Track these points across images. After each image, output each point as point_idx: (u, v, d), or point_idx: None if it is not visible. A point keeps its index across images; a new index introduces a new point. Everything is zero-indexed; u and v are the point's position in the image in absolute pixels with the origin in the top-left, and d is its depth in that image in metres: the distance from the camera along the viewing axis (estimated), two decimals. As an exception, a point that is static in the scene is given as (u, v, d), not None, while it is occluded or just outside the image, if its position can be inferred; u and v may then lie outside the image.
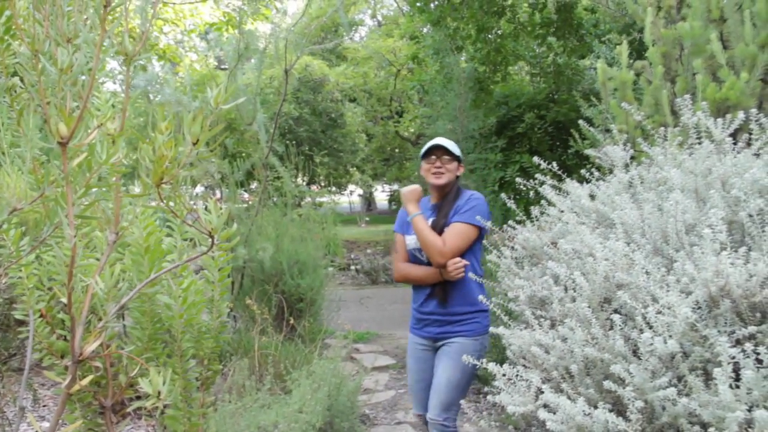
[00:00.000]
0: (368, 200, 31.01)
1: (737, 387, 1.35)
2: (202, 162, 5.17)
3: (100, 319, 1.86)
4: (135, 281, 2.19)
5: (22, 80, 1.89)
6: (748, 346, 1.37)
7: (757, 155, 2.12)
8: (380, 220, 25.64)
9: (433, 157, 2.97)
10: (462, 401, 2.60)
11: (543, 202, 2.64)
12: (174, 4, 11.93)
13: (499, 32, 9.46)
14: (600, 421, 1.50)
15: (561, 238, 2.25)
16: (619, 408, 1.60)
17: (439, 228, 2.88)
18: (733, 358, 1.36)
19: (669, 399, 1.46)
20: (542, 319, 1.96)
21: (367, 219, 23.15)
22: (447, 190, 2.99)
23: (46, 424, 3.91)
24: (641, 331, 1.57)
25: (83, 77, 1.56)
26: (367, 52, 18.79)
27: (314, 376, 3.54)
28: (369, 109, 20.19)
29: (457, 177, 3.04)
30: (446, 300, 2.89)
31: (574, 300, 1.88)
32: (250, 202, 6.71)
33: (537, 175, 2.62)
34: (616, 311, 1.80)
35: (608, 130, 3.45)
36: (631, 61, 3.65)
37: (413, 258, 3.02)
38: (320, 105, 17.45)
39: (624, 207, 2.06)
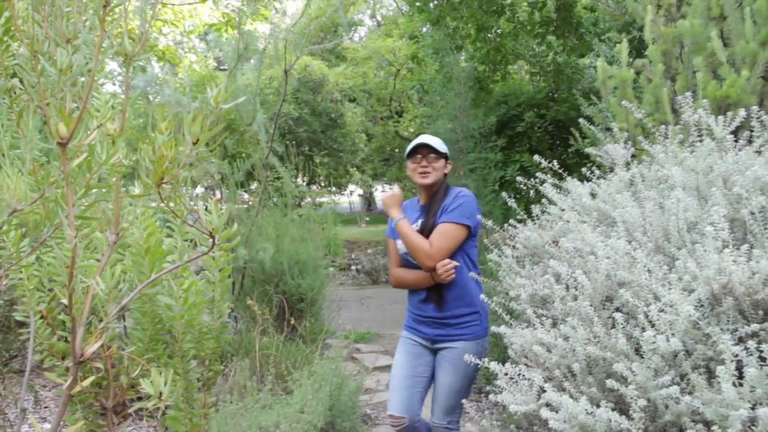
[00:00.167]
0: (368, 200, 30.98)
1: (740, 385, 1.34)
2: (202, 162, 5.17)
3: (100, 320, 1.86)
4: (135, 282, 2.19)
5: (21, 81, 1.89)
6: (751, 343, 1.37)
7: (759, 152, 2.12)
8: (380, 220, 25.62)
9: (419, 156, 2.88)
10: (464, 400, 2.59)
11: (543, 200, 2.64)
12: (173, 5, 11.93)
13: (499, 31, 9.47)
14: (603, 420, 1.49)
15: (562, 236, 2.24)
16: (621, 406, 1.59)
17: (428, 229, 2.79)
18: (736, 356, 1.36)
19: (672, 397, 1.45)
20: (544, 318, 1.96)
21: (368, 219, 23.14)
22: (435, 190, 2.90)
23: (47, 426, 3.91)
24: (643, 329, 1.57)
25: (82, 78, 1.55)
26: (367, 52, 18.78)
27: (315, 377, 3.53)
28: (369, 109, 20.17)
29: (445, 175, 2.94)
30: (442, 303, 2.79)
31: (575, 298, 1.88)
32: (250, 203, 6.71)
33: (537, 174, 2.61)
34: (618, 310, 1.79)
35: (609, 129, 3.45)
36: (631, 59, 3.65)
37: (406, 262, 2.93)
38: (320, 105, 17.44)
39: (625, 205, 2.06)
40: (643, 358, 1.55)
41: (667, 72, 3.35)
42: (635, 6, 3.69)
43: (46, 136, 1.47)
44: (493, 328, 2.11)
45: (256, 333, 4.52)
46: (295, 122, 16.13)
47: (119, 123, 1.54)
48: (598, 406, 1.53)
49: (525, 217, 2.66)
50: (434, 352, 2.90)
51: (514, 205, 2.65)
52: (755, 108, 2.22)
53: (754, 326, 1.47)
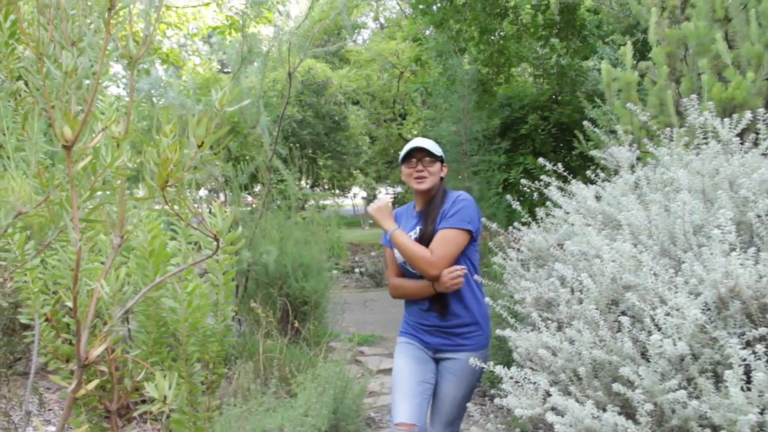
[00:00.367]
0: (372, 203, 30.96)
1: (748, 389, 1.34)
2: (206, 165, 5.18)
3: (105, 323, 1.85)
4: (140, 285, 2.19)
5: (26, 84, 1.89)
6: (759, 347, 1.36)
7: (765, 155, 2.11)
8: (384, 222, 25.52)
9: (414, 160, 2.75)
10: (468, 404, 2.56)
11: (548, 203, 2.63)
12: (177, 8, 11.96)
13: (502, 34, 9.46)
14: (609, 424, 1.48)
15: (567, 239, 2.24)
16: (628, 411, 1.58)
17: (428, 236, 2.66)
18: (744, 360, 1.35)
19: (679, 402, 1.45)
20: (549, 321, 1.95)
21: (371, 221, 23.13)
22: (432, 195, 2.76)
23: (52, 428, 3.91)
24: (649, 333, 1.56)
25: (87, 81, 1.55)
26: (370, 54, 18.79)
27: (319, 380, 3.52)
28: (372, 112, 20.18)
29: (442, 179, 2.81)
30: (446, 313, 2.66)
31: (581, 302, 1.87)
32: (254, 205, 6.71)
33: (542, 177, 2.60)
34: (623, 313, 1.78)
35: (613, 131, 3.44)
36: (635, 61, 3.64)
37: (404, 271, 2.79)
38: (323, 108, 17.46)
39: (630, 208, 2.05)
40: (649, 362, 1.54)
41: (672, 74, 3.34)
42: (639, 8, 3.69)
43: (51, 138, 1.47)
44: (498, 332, 2.10)
45: (259, 336, 4.52)
46: (298, 125, 16.14)
47: (124, 126, 1.54)
48: (605, 410, 1.52)
49: (529, 220, 2.65)
50: (436, 361, 2.78)
51: (519, 208, 2.64)
52: (761, 110, 2.21)
53: (762, 330, 1.46)
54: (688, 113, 2.34)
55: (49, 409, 4.31)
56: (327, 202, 11.95)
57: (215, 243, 1.62)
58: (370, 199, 30.28)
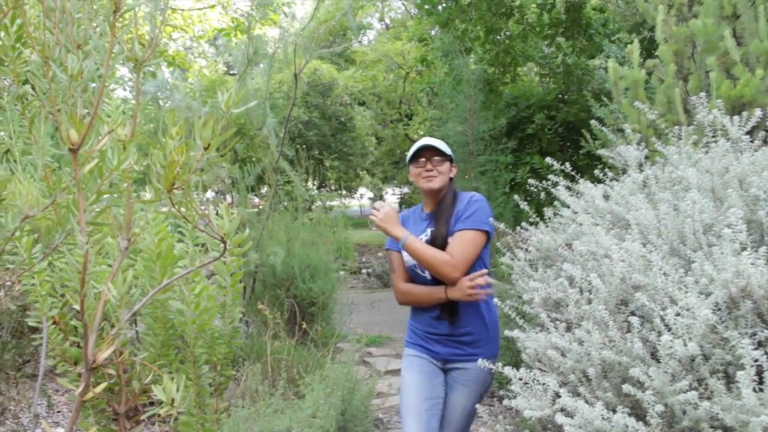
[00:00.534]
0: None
1: (761, 390, 1.32)
2: (213, 167, 5.18)
3: (112, 326, 1.86)
4: (147, 287, 2.19)
5: (33, 88, 1.89)
6: (771, 347, 1.34)
7: (775, 153, 2.09)
8: (391, 223, 25.51)
9: (423, 159, 2.66)
10: (477, 405, 2.54)
11: (555, 203, 2.62)
12: (183, 10, 11.99)
13: (508, 33, 9.44)
14: (619, 426, 1.47)
15: (575, 239, 2.22)
16: (638, 412, 1.57)
17: (441, 238, 2.55)
18: (756, 360, 1.33)
19: (690, 403, 1.43)
20: (558, 322, 1.93)
21: (377, 223, 23.08)
22: (442, 195, 2.67)
23: (60, 430, 3.92)
24: (659, 333, 1.54)
25: (93, 84, 1.55)
26: (376, 55, 18.81)
27: (327, 381, 3.52)
28: (378, 112, 20.20)
29: (451, 179, 2.72)
30: (457, 320, 2.56)
31: (590, 302, 1.85)
32: (260, 207, 6.72)
33: (549, 176, 2.58)
34: (633, 313, 1.77)
35: (620, 130, 3.42)
36: (642, 59, 3.62)
37: (414, 275, 2.68)
38: (329, 109, 17.49)
39: (639, 207, 2.04)
40: (659, 362, 1.52)
41: (680, 72, 3.32)
42: (646, 6, 3.67)
43: (58, 142, 1.47)
44: (507, 332, 2.09)
45: (267, 337, 4.52)
46: (305, 126, 16.18)
47: (130, 128, 1.54)
48: (614, 411, 1.51)
49: (537, 219, 2.63)
50: (445, 371, 2.69)
51: (526, 208, 2.62)
52: (770, 108, 2.20)
53: (773, 330, 1.44)
54: (697, 111, 2.32)
55: (58, 411, 4.33)
56: (334, 203, 11.97)
57: (222, 245, 1.62)
58: (375, 198, 30.24)
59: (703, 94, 2.36)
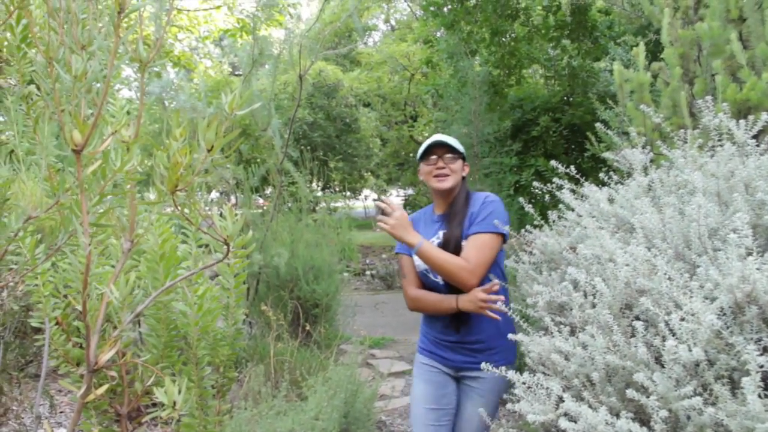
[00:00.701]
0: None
1: (766, 396, 1.31)
2: (217, 168, 5.19)
3: (115, 328, 1.85)
4: (150, 289, 2.18)
5: (38, 88, 1.89)
6: (776, 353, 1.33)
7: (781, 157, 2.08)
8: (395, 224, 25.46)
9: (434, 157, 2.54)
10: (492, 414, 2.49)
11: (560, 206, 2.61)
12: (189, 11, 12.01)
13: (513, 35, 9.43)
14: (623, 431, 1.46)
15: (580, 242, 2.21)
16: (642, 417, 1.56)
17: (454, 241, 2.44)
18: (762, 366, 1.32)
19: (694, 408, 1.42)
20: (562, 326, 1.93)
21: (383, 224, 23.06)
22: (454, 195, 2.57)
23: (63, 431, 3.92)
24: (664, 338, 1.54)
25: (98, 84, 1.55)
26: (381, 56, 18.84)
27: (330, 383, 3.52)
28: (383, 114, 20.22)
29: (463, 178, 2.61)
30: (470, 326, 2.47)
31: (594, 306, 1.85)
32: (265, 208, 6.73)
33: (553, 179, 2.57)
34: (637, 318, 1.76)
35: (625, 133, 3.41)
36: (648, 62, 3.61)
37: (425, 279, 2.57)
38: (334, 110, 17.52)
39: (644, 211, 2.03)
40: (664, 367, 1.52)
41: (685, 75, 3.31)
42: (652, 9, 3.66)
43: (62, 142, 1.47)
44: (510, 336, 2.08)
45: (270, 339, 4.53)
46: (309, 127, 16.20)
47: (134, 129, 1.54)
48: (618, 416, 1.50)
49: (541, 222, 2.62)
50: (457, 379, 2.60)
51: (531, 210, 2.60)
52: (777, 112, 2.18)
53: (779, 335, 1.43)
54: (702, 115, 2.31)
55: (61, 412, 4.33)
56: (338, 204, 11.97)
57: (226, 247, 1.61)
58: (378, 197, 30.16)
59: (708, 97, 2.35)
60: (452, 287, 2.47)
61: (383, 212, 2.51)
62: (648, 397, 1.48)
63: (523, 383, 1.80)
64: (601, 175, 2.62)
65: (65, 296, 2.17)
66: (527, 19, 9.27)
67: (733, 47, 2.93)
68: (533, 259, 2.51)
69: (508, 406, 1.88)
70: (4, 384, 3.28)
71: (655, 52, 5.81)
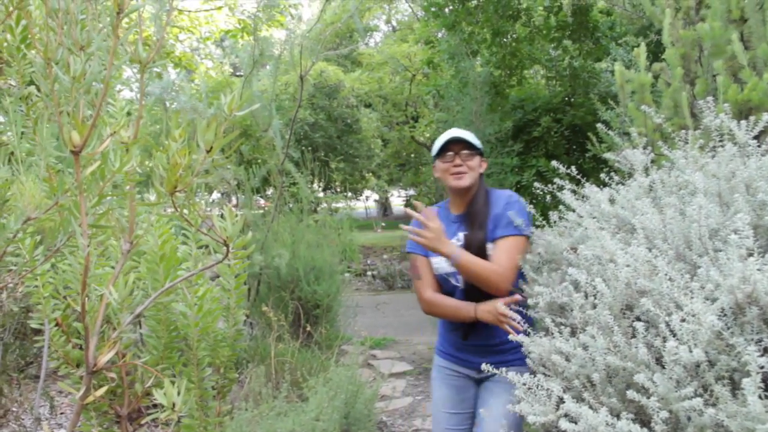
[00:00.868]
0: (384, 205, 31.00)
1: (767, 398, 1.31)
2: (218, 169, 5.19)
3: (114, 329, 1.85)
4: (150, 290, 2.18)
5: (38, 89, 1.89)
6: (777, 354, 1.33)
7: (782, 158, 2.07)
8: (396, 225, 25.55)
9: (450, 153, 2.43)
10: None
11: (561, 206, 2.60)
12: (190, 12, 12.02)
13: (515, 36, 9.42)
14: (623, 432, 1.46)
15: (581, 243, 2.21)
16: (642, 418, 1.56)
17: (477, 244, 2.34)
18: (762, 367, 1.32)
19: (695, 409, 1.42)
20: (562, 327, 1.92)
21: (383, 224, 23.14)
22: (473, 194, 2.46)
23: (63, 432, 3.92)
24: (664, 339, 1.53)
25: (99, 85, 1.55)
26: (382, 57, 18.81)
27: (331, 384, 3.51)
28: (384, 115, 20.20)
29: (481, 175, 2.50)
30: (491, 329, 2.37)
31: (594, 307, 1.84)
32: (266, 208, 6.73)
33: (555, 180, 2.57)
34: (638, 319, 1.76)
35: (626, 134, 3.41)
36: (649, 63, 3.60)
37: (445, 283, 2.47)
38: (336, 111, 17.52)
39: (645, 212, 2.02)
40: (664, 368, 1.51)
41: (686, 76, 3.30)
42: (653, 9, 3.65)
43: (62, 143, 1.47)
44: (510, 337, 2.08)
45: (271, 339, 4.53)
46: (310, 128, 16.20)
47: (133, 130, 1.54)
48: (619, 417, 1.50)
49: (543, 223, 2.61)
50: (478, 382, 2.51)
51: (532, 211, 2.59)
52: (778, 112, 2.18)
53: (780, 336, 1.43)
54: (704, 115, 2.31)
55: (61, 413, 4.33)
56: (339, 204, 11.98)
57: (225, 248, 1.61)
58: (382, 201, 30.18)
59: (710, 98, 2.34)
60: (468, 293, 2.39)
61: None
62: (648, 398, 1.48)
63: (523, 384, 1.80)
64: (602, 175, 2.61)
65: (65, 297, 2.17)
66: (528, 19, 9.26)
67: (735, 48, 2.92)
68: (534, 259, 2.51)
69: (508, 407, 1.87)
70: (4, 385, 3.29)
71: (656, 52, 5.81)
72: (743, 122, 2.17)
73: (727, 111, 2.23)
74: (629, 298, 1.80)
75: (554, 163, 2.66)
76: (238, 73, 15.55)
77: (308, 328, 5.30)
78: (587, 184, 2.49)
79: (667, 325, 1.54)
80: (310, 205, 6.67)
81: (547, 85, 10.68)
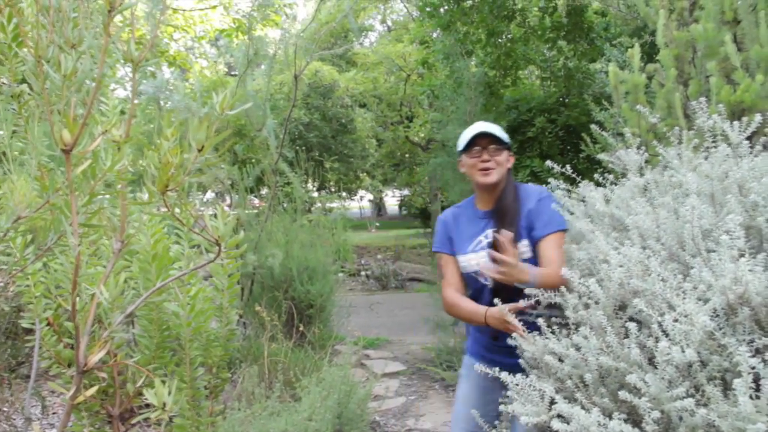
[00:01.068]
0: (378, 205, 31.03)
1: (758, 398, 1.31)
2: (212, 168, 5.17)
3: (105, 329, 1.84)
4: (142, 289, 2.17)
5: (30, 87, 1.88)
6: (769, 355, 1.33)
7: (775, 159, 2.08)
8: (390, 225, 25.61)
9: (478, 148, 2.38)
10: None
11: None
12: (184, 11, 11.99)
13: (509, 36, 9.43)
14: (615, 433, 1.46)
15: (575, 243, 2.21)
16: (634, 418, 1.56)
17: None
18: (753, 368, 1.32)
19: (686, 410, 1.42)
20: (555, 327, 1.93)
21: (377, 224, 23.16)
22: (501, 189, 2.41)
23: (55, 432, 3.90)
24: (657, 339, 1.53)
25: (91, 83, 1.54)
26: (377, 57, 18.81)
27: (324, 384, 3.51)
28: (379, 115, 20.20)
29: (509, 170, 2.44)
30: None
31: (587, 307, 1.84)
32: (260, 208, 6.72)
33: (549, 180, 2.57)
34: (631, 319, 1.76)
35: (620, 134, 3.41)
36: (643, 64, 3.61)
37: (473, 282, 2.42)
38: (330, 110, 17.51)
39: (639, 212, 2.03)
40: (656, 368, 1.51)
41: (680, 77, 3.31)
42: (647, 10, 3.66)
43: (54, 142, 1.46)
44: (510, 340, 2.08)
45: (264, 339, 4.51)
46: (305, 127, 16.18)
47: (125, 129, 1.53)
48: (611, 417, 1.50)
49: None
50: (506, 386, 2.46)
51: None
52: (771, 113, 2.18)
53: (772, 337, 1.43)
54: (697, 116, 2.31)
55: (54, 413, 4.31)
56: (333, 204, 11.96)
57: (217, 248, 1.61)
58: (377, 201, 30.17)
59: (703, 99, 2.34)
60: (497, 291, 2.28)
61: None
62: (640, 398, 1.48)
63: (516, 384, 1.80)
64: (596, 175, 2.61)
65: (56, 297, 2.16)
66: (523, 20, 9.26)
67: (728, 49, 2.93)
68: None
69: (501, 407, 1.88)
70: (-4, 385, 3.27)
71: (650, 53, 5.82)
72: (736, 123, 2.17)
73: (721, 112, 2.23)
74: (622, 298, 1.80)
75: (549, 163, 2.66)
76: (232, 73, 15.50)
77: (301, 328, 5.29)
78: (582, 184, 2.49)
79: (660, 325, 1.55)
80: (304, 205, 6.66)
81: (542, 86, 10.69)
